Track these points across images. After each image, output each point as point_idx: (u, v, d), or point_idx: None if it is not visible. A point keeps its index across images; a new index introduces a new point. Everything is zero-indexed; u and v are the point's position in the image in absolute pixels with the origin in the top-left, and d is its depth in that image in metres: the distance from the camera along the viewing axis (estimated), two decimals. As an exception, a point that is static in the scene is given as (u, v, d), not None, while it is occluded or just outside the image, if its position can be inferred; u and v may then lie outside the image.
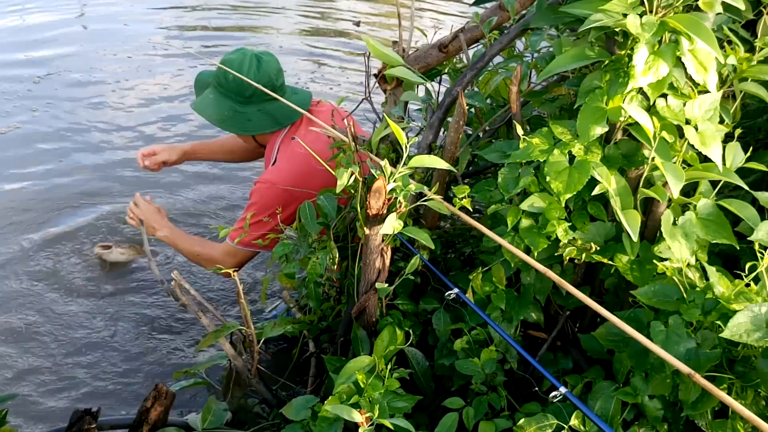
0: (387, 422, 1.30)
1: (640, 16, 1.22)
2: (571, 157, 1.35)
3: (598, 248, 1.40)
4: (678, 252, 1.31)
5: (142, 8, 5.96)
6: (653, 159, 1.31)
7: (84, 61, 4.68)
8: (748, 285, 1.22)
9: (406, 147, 1.41)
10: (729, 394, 1.17)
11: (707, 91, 1.31)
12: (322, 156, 1.77)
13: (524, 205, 1.38)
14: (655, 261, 1.30)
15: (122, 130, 3.84)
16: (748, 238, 1.29)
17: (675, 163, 1.33)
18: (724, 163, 1.32)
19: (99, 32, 5.27)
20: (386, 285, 1.58)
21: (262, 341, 1.76)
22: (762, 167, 1.39)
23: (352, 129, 1.61)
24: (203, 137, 3.79)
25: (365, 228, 1.50)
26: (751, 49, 1.39)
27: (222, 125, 2.18)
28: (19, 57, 4.68)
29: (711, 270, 1.27)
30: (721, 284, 1.25)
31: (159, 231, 2.31)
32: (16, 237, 2.85)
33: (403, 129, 1.47)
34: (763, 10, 1.43)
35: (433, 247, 1.54)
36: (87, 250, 2.80)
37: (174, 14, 5.88)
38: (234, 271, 1.64)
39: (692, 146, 1.30)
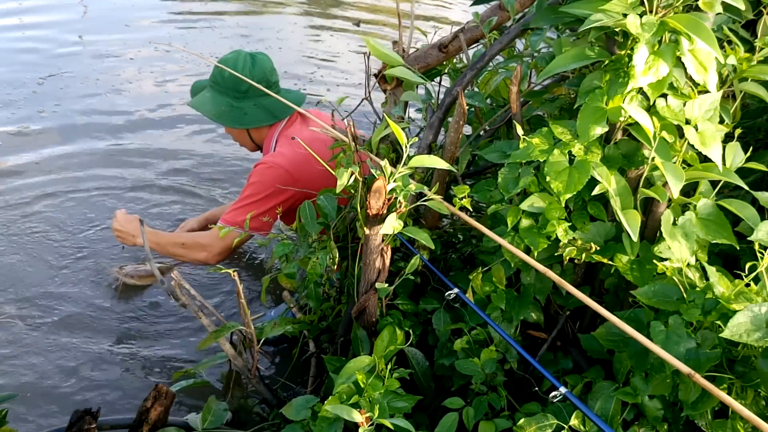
0: (387, 422, 1.30)
1: (640, 16, 1.22)
2: (571, 157, 1.35)
3: (598, 248, 1.40)
4: (678, 252, 1.31)
5: (142, 5, 5.96)
6: (653, 159, 1.31)
7: (86, 62, 4.68)
8: (748, 285, 1.22)
9: (406, 147, 1.41)
10: (729, 394, 1.17)
11: (707, 91, 1.31)
12: (322, 151, 1.78)
13: (524, 205, 1.38)
14: (655, 261, 1.30)
15: (135, 131, 3.85)
16: (748, 238, 1.29)
17: (675, 163, 1.33)
18: (724, 163, 1.32)
19: (100, 31, 5.27)
20: (386, 285, 1.58)
21: (262, 341, 1.76)
22: (762, 167, 1.39)
23: (353, 129, 1.61)
24: (209, 132, 3.84)
25: (365, 228, 1.50)
26: (751, 49, 1.39)
27: (219, 120, 2.25)
28: (21, 57, 4.68)
29: (711, 270, 1.27)
30: (721, 284, 1.25)
31: (138, 237, 2.29)
32: (19, 236, 2.85)
33: (403, 129, 1.47)
34: (763, 10, 1.43)
35: (433, 247, 1.55)
36: (88, 252, 2.80)
37: (174, 15, 5.88)
38: (234, 271, 1.64)
39: (692, 146, 1.30)
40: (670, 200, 1.37)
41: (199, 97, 2.27)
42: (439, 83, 2.00)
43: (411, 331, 1.59)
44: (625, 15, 1.23)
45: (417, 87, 1.82)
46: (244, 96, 2.22)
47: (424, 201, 1.52)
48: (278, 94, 2.25)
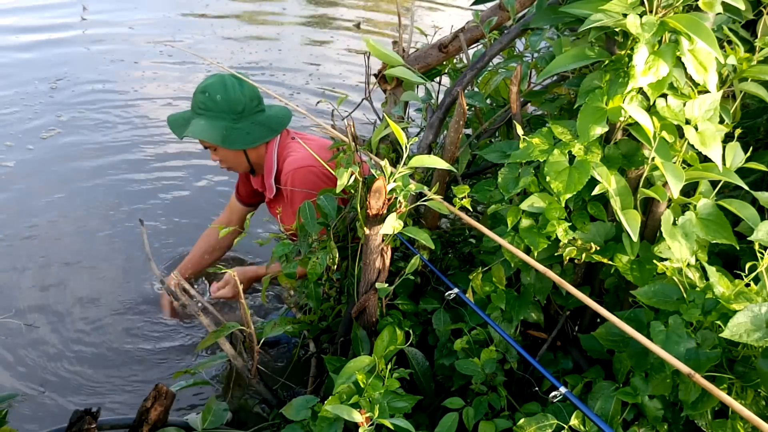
0: (387, 422, 1.30)
1: (640, 16, 1.22)
2: (571, 157, 1.35)
3: (598, 248, 1.40)
4: (678, 252, 1.30)
5: (143, 6, 5.96)
6: (653, 159, 1.31)
7: (89, 66, 4.69)
8: (748, 285, 1.22)
9: (406, 147, 1.41)
10: (729, 394, 1.16)
11: (707, 91, 1.31)
12: (324, 155, 1.79)
13: (524, 205, 1.38)
14: (655, 261, 1.30)
15: (154, 132, 3.89)
16: (748, 238, 1.29)
17: (675, 163, 1.33)
18: (724, 163, 1.32)
19: (100, 35, 5.27)
20: (386, 285, 1.58)
21: (261, 341, 1.76)
22: (762, 167, 1.39)
23: (353, 128, 1.61)
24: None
25: (365, 228, 1.50)
26: (751, 49, 1.39)
27: (225, 144, 2.22)
28: (22, 60, 4.68)
29: (711, 270, 1.27)
30: (721, 284, 1.25)
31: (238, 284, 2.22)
32: (21, 237, 2.85)
33: (403, 129, 1.47)
34: (763, 10, 1.43)
35: (433, 247, 1.54)
36: (91, 254, 2.80)
37: (176, 18, 5.88)
38: (234, 271, 1.64)
39: (692, 146, 1.30)
40: (670, 200, 1.37)
41: (194, 126, 2.23)
42: (439, 83, 2.00)
43: (411, 331, 1.58)
44: (625, 15, 1.23)
45: (417, 87, 1.82)
46: (241, 117, 2.23)
47: (424, 201, 1.52)
48: (265, 109, 2.29)
